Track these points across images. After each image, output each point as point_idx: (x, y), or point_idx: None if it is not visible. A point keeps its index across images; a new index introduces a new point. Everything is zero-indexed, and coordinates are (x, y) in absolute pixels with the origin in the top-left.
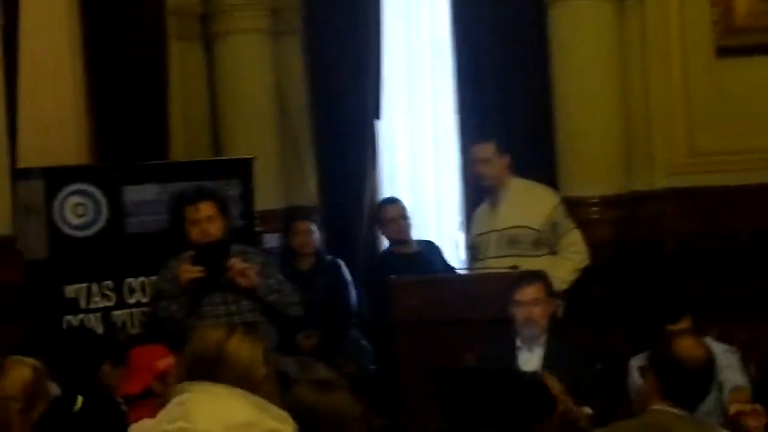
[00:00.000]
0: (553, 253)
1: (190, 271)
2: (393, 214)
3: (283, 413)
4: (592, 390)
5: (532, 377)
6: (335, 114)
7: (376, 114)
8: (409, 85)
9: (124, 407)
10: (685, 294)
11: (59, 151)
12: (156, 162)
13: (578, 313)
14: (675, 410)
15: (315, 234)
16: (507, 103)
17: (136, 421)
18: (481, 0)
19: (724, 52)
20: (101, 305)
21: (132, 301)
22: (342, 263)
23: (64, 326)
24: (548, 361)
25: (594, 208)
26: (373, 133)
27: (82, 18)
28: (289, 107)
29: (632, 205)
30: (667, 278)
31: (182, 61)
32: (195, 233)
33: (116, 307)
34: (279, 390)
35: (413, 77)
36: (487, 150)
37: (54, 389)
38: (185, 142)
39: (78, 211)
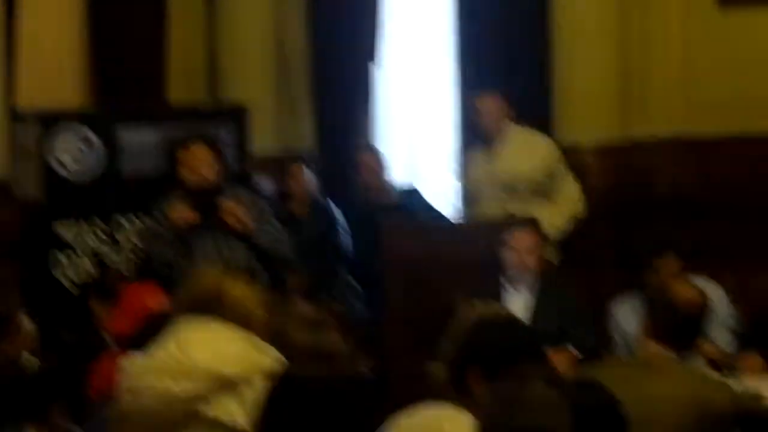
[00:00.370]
0: (549, 200)
1: (183, 214)
2: (368, 161)
3: (279, 355)
4: (579, 332)
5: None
6: (331, 58)
7: (372, 58)
8: (407, 30)
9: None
10: (676, 239)
11: (57, 93)
12: (151, 105)
13: (572, 259)
14: (665, 351)
15: (309, 179)
16: (505, 50)
17: None
18: None
19: (724, 2)
20: (93, 246)
21: (125, 241)
22: (334, 206)
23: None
24: (537, 305)
25: (589, 156)
26: (369, 77)
27: None
28: (286, 52)
29: (628, 153)
30: (660, 225)
31: (182, 6)
32: (189, 177)
33: (109, 247)
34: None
35: (411, 22)
36: (491, 100)
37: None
38: (182, 86)
39: (73, 152)
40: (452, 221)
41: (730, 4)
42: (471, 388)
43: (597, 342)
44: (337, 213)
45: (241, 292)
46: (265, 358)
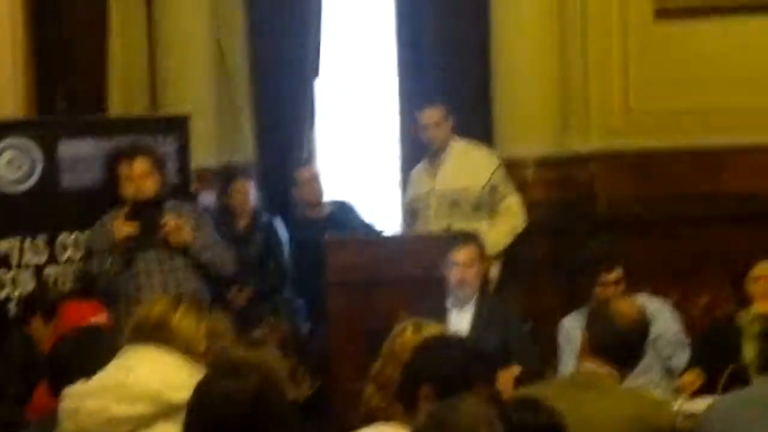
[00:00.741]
0: (491, 214)
1: (124, 228)
2: (305, 176)
3: None
4: (521, 349)
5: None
6: (274, 72)
7: (315, 72)
8: (349, 44)
9: None
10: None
11: None
12: (92, 117)
13: (512, 274)
14: (605, 369)
15: (252, 193)
16: (446, 63)
17: None
18: None
19: (662, 14)
20: (34, 261)
21: (65, 257)
22: (277, 221)
23: None
24: (478, 322)
25: (529, 169)
26: (311, 91)
27: None
28: (228, 64)
29: (567, 166)
30: (601, 239)
31: (122, 16)
32: (130, 189)
33: (49, 263)
34: None
35: (353, 37)
36: (436, 114)
37: None
38: (123, 97)
39: (12, 165)
40: (391, 236)
41: (666, 16)
42: (421, 408)
43: (539, 359)
44: (280, 228)
45: (188, 321)
46: None
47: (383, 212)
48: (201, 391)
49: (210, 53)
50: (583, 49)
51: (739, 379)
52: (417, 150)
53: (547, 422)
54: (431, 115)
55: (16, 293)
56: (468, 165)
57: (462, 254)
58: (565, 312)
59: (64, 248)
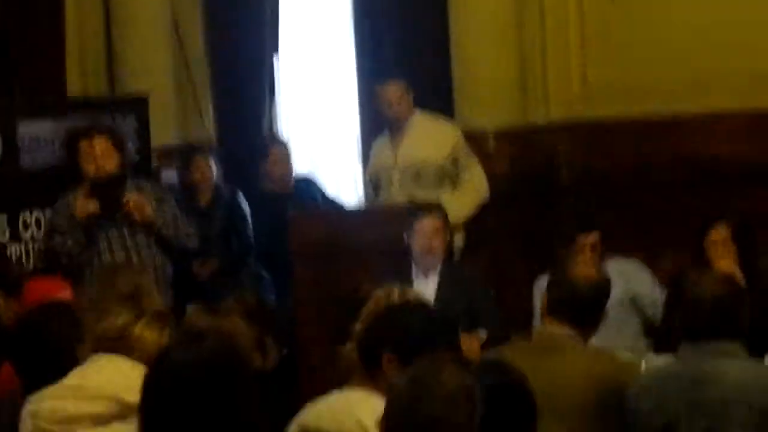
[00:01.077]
0: (454, 186)
1: (85, 206)
2: (278, 154)
3: None
4: (486, 315)
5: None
6: (233, 49)
7: (274, 48)
8: (307, 20)
9: None
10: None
11: None
12: (51, 97)
13: (476, 244)
14: (564, 329)
15: (213, 169)
16: (405, 36)
17: None
18: None
19: None
20: None
21: (27, 235)
22: (240, 195)
23: None
24: (443, 289)
25: (491, 141)
26: (270, 68)
27: None
28: (186, 42)
29: (528, 138)
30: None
31: None
32: (90, 168)
33: (11, 241)
34: None
35: (311, 12)
36: (397, 89)
37: None
38: (81, 78)
39: None
40: (354, 208)
41: None
42: (385, 372)
43: (503, 324)
44: (243, 202)
45: (150, 333)
46: None
47: (346, 185)
48: (158, 360)
49: (167, 32)
50: (541, 22)
51: None
52: (377, 124)
53: (513, 383)
54: (392, 90)
55: None
56: (429, 137)
57: (426, 223)
58: (530, 280)
59: (26, 227)
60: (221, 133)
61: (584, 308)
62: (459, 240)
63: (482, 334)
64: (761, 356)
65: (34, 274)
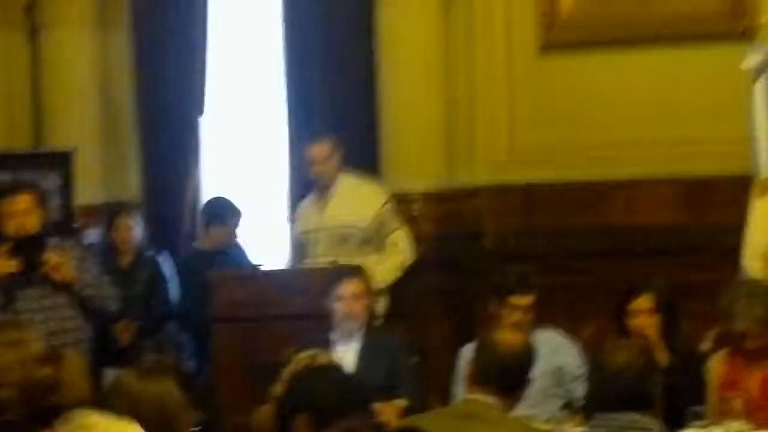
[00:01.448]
0: (379, 250)
1: (6, 265)
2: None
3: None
4: (406, 384)
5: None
6: (159, 109)
7: (199, 110)
8: (236, 80)
9: None
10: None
11: None
12: None
13: (399, 308)
14: (489, 398)
15: (136, 230)
16: (333, 98)
17: None
18: None
19: (547, 48)
20: None
21: None
22: (162, 258)
23: None
24: (364, 354)
25: (416, 204)
26: (196, 128)
27: None
28: (113, 101)
29: (454, 201)
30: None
31: (5, 50)
32: (11, 226)
33: None
34: None
35: (240, 73)
36: (323, 149)
37: None
38: (5, 132)
39: None
40: (277, 270)
41: (551, 51)
42: None
43: (423, 393)
44: (166, 264)
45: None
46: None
47: (273, 247)
48: None
49: (95, 89)
50: (469, 84)
51: None
52: (305, 184)
53: None
54: (319, 150)
55: None
56: (356, 200)
57: (348, 287)
58: (454, 345)
59: None
60: (146, 193)
61: (510, 378)
62: (382, 304)
63: (401, 402)
64: (678, 428)
65: None
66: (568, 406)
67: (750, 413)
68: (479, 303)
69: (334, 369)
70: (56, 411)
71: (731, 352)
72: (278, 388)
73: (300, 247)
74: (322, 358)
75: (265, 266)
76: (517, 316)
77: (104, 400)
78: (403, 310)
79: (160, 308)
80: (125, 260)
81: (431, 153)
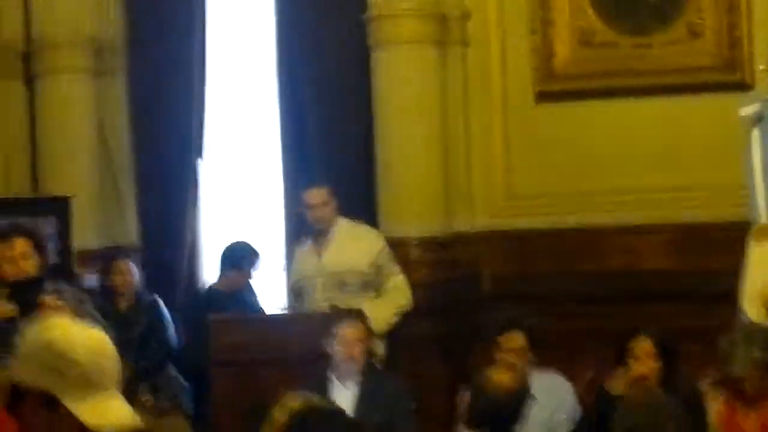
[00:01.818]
0: (378, 294)
1: (3, 309)
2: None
3: None
4: (406, 427)
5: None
6: (157, 153)
7: (198, 153)
8: (233, 125)
9: None
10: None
11: None
12: None
13: (398, 352)
14: None
15: (134, 274)
16: (330, 144)
17: None
18: (307, 42)
19: (543, 97)
20: None
21: None
22: (160, 301)
23: None
24: (364, 398)
25: (414, 249)
26: (194, 172)
27: None
28: (111, 146)
29: (452, 247)
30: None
31: (3, 98)
32: (9, 270)
33: None
34: None
35: (237, 118)
36: (321, 195)
37: None
38: (3, 179)
39: None
40: (276, 315)
41: (547, 99)
42: None
43: None
44: (163, 308)
45: None
46: None
47: (270, 292)
48: None
49: (93, 134)
50: (466, 131)
51: None
52: (302, 230)
53: None
54: (316, 196)
55: None
56: (353, 245)
57: (348, 331)
58: (451, 389)
59: None
60: (144, 237)
61: (503, 417)
62: (381, 348)
63: None
64: None
65: None
66: None
67: None
68: (475, 347)
69: (339, 411)
70: None
71: (730, 396)
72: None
73: (297, 292)
74: (315, 401)
75: (263, 309)
76: (510, 358)
77: None
78: (400, 354)
79: (158, 349)
80: (124, 304)
81: (428, 200)
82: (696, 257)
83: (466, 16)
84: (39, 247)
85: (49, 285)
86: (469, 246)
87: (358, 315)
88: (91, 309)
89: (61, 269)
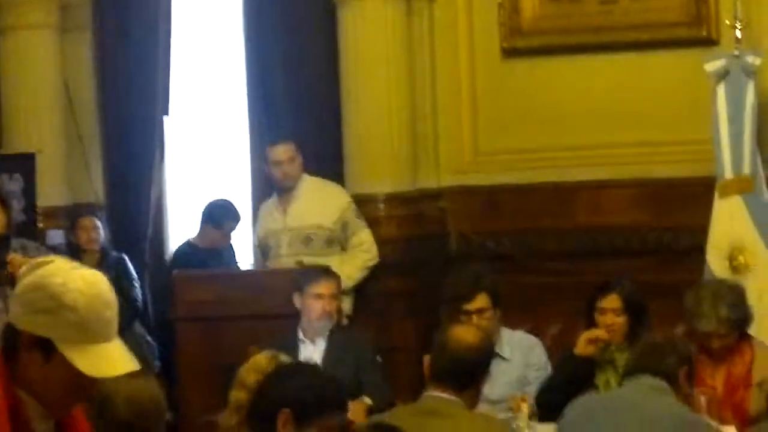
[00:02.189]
0: (343, 250)
1: None
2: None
3: None
4: (373, 381)
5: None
6: (123, 110)
7: (164, 110)
8: (199, 82)
9: None
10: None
11: None
12: None
13: (365, 309)
14: (444, 394)
15: (100, 230)
16: (296, 101)
17: None
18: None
19: (510, 53)
20: None
21: None
22: (127, 259)
23: None
24: (331, 354)
25: (381, 206)
26: (161, 130)
27: None
28: (77, 103)
29: (418, 203)
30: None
31: None
32: None
33: None
34: None
35: (203, 74)
36: (287, 151)
37: None
38: None
39: None
40: (242, 271)
41: (513, 56)
42: None
43: (389, 392)
44: (130, 266)
45: None
46: None
47: (237, 248)
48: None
49: (57, 91)
50: (432, 87)
51: None
52: (268, 186)
53: None
54: (282, 152)
55: None
56: (319, 201)
57: (324, 287)
58: (418, 346)
59: None
60: (110, 195)
61: (464, 374)
62: (347, 304)
63: (367, 401)
64: None
65: None
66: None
67: (714, 410)
68: (442, 304)
69: (311, 366)
70: None
71: (697, 351)
72: (238, 393)
73: (263, 249)
74: (282, 358)
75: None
76: (474, 320)
77: None
78: (367, 310)
79: (127, 307)
80: (90, 261)
81: (395, 156)
82: (664, 213)
83: None
84: (4, 204)
85: (15, 242)
86: (437, 202)
87: (331, 271)
88: None
89: (26, 226)
